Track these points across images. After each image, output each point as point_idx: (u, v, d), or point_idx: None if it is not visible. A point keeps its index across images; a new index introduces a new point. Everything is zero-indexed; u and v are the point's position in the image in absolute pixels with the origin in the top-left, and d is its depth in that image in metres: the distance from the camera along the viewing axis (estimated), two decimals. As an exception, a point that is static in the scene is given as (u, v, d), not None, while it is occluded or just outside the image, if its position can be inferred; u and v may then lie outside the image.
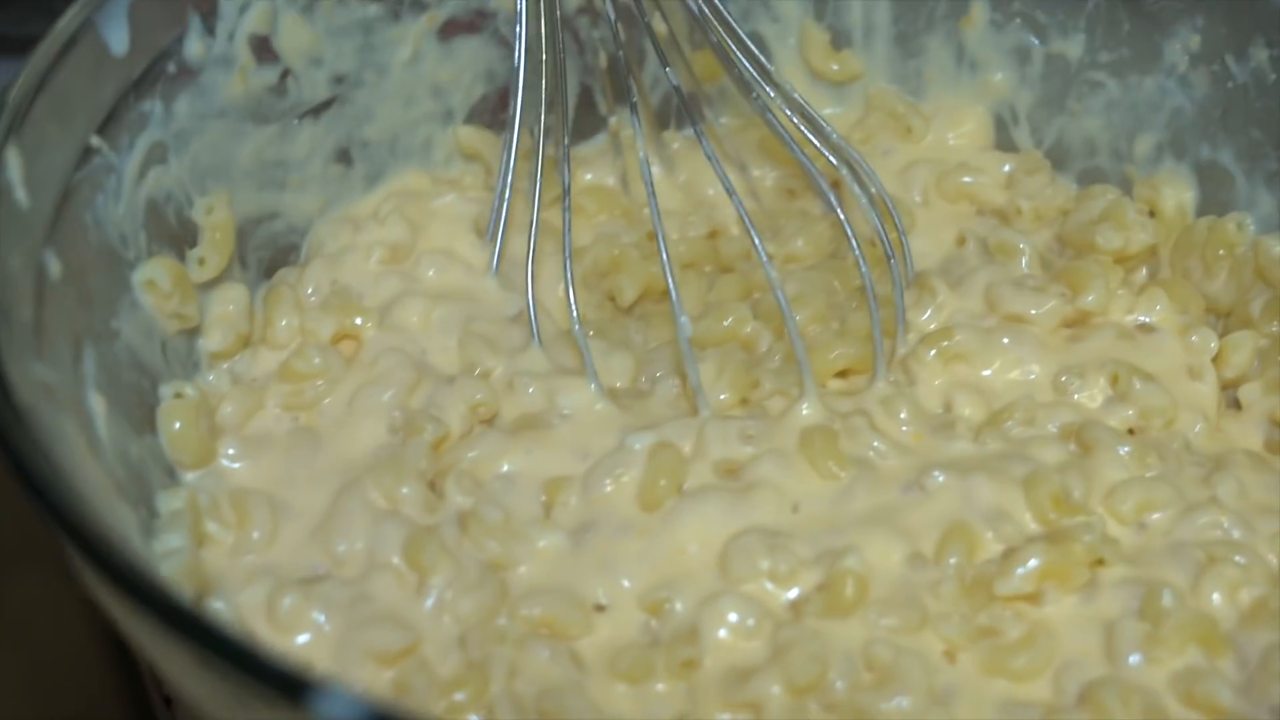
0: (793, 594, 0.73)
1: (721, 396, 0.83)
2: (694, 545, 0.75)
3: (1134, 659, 0.70)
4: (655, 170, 0.96)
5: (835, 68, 0.98)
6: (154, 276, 0.79)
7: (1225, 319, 0.87)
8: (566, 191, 0.86)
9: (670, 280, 0.81)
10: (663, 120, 0.98)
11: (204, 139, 0.82)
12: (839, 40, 0.98)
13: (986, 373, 0.84)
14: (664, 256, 0.81)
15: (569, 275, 0.84)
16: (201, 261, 0.83)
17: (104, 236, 0.75)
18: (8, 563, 0.90)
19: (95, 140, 0.74)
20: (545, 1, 0.87)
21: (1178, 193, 0.90)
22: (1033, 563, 0.72)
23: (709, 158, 0.83)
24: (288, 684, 0.51)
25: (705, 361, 0.84)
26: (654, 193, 0.83)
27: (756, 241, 0.81)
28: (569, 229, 0.85)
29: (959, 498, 0.77)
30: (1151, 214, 0.90)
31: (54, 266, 0.69)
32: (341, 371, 0.83)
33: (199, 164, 0.82)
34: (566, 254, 0.85)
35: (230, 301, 0.84)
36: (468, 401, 0.82)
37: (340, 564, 0.75)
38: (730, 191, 0.82)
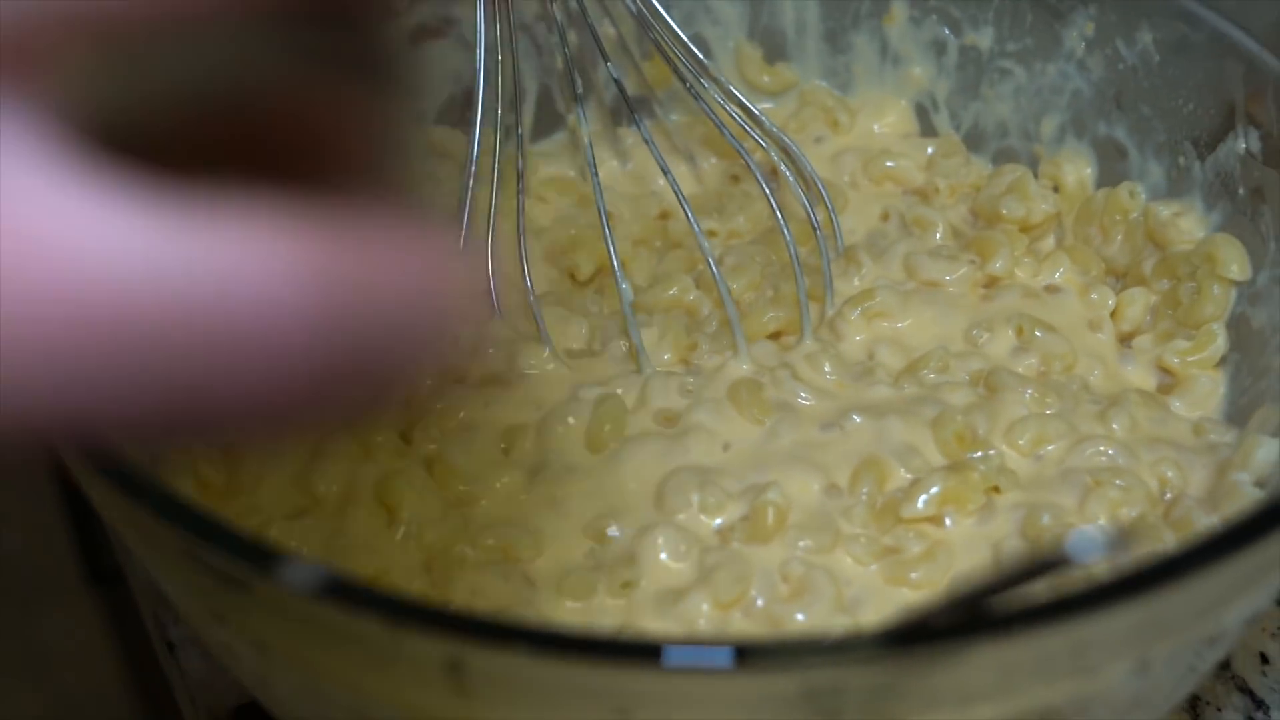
0: (719, 523, 0.82)
1: (665, 357, 0.92)
2: (634, 483, 0.84)
3: (1016, 569, 0.79)
4: (612, 161, 1.06)
5: (767, 79, 1.07)
6: None
7: (1123, 279, 0.96)
8: (520, 176, 0.95)
9: (612, 253, 0.90)
10: (617, 117, 1.07)
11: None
12: (772, 54, 1.07)
13: (902, 325, 0.93)
14: (606, 233, 0.91)
15: (524, 254, 0.93)
16: None
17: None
18: (35, 601, 0.95)
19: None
20: (501, 8, 0.96)
21: (1078, 168, 0.99)
22: (934, 489, 0.81)
23: (647, 142, 0.93)
24: (257, 555, 0.60)
25: (650, 326, 0.93)
26: (597, 173, 0.92)
27: (689, 215, 0.90)
28: (522, 212, 0.94)
29: (873, 436, 0.86)
30: (1056, 188, 1.00)
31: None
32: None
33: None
34: (520, 235, 0.94)
35: None
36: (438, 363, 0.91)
37: (320, 502, 0.84)
38: (665, 171, 0.91)
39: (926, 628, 0.56)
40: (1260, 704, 0.90)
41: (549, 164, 1.06)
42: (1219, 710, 0.90)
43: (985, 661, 0.58)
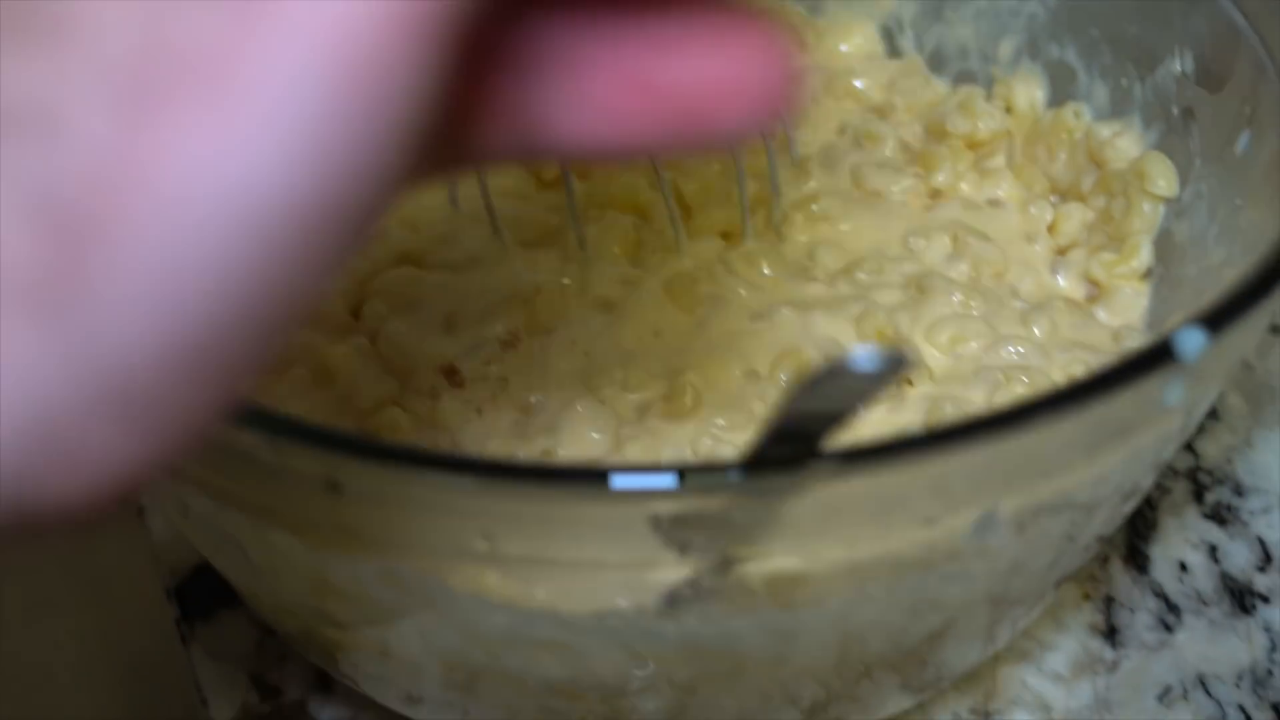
0: (637, 398, 0.86)
1: (615, 250, 0.96)
2: (563, 361, 0.89)
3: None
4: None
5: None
6: None
7: (1064, 196, 0.99)
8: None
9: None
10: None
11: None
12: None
13: (844, 228, 0.96)
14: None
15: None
16: None
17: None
18: (28, 611, 0.99)
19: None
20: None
21: (1029, 89, 1.02)
22: (845, 378, 0.85)
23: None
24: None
25: (602, 222, 0.97)
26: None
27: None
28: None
29: (798, 329, 0.89)
30: (1008, 109, 1.03)
31: None
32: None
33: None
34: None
35: None
36: (396, 250, 0.96)
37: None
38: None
39: (758, 461, 0.60)
40: (1174, 608, 0.93)
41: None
42: (1132, 611, 0.93)
43: (813, 500, 0.61)
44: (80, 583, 0.86)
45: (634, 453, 0.82)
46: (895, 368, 0.51)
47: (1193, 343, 0.65)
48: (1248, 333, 0.69)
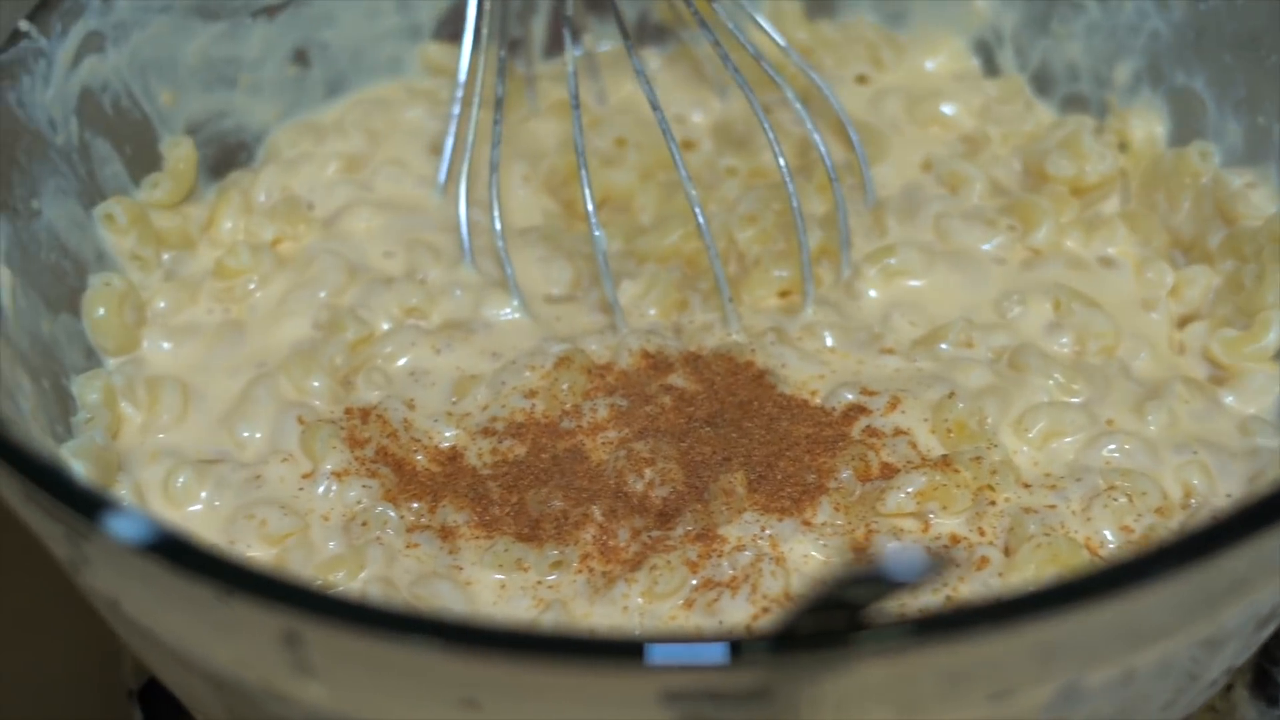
0: (663, 493, 0.83)
1: (650, 312, 0.94)
2: (595, 450, 0.86)
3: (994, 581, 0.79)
4: (626, 87, 1.07)
5: (803, 36, 1.08)
6: (113, 212, 0.93)
7: (1187, 253, 0.95)
8: (499, 105, 0.97)
9: (586, 196, 0.91)
10: (642, 37, 1.08)
11: (146, 32, 0.95)
12: (816, 9, 1.09)
13: (923, 284, 0.93)
14: (583, 173, 0.92)
15: (494, 193, 0.95)
16: (156, 185, 0.97)
17: (30, 117, 0.88)
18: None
19: (24, 25, 0.88)
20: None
21: (1148, 123, 0.99)
22: (915, 484, 0.82)
23: (638, 73, 0.93)
24: (89, 503, 0.63)
25: (638, 277, 0.95)
26: (578, 105, 0.94)
27: (679, 164, 0.91)
28: (497, 145, 0.96)
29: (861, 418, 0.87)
30: (1123, 146, 0.99)
31: (-32, 138, 0.83)
32: (273, 269, 0.96)
33: (140, 57, 0.95)
34: (493, 170, 0.95)
35: None
36: (401, 304, 0.94)
37: (241, 448, 0.87)
38: (655, 107, 0.92)
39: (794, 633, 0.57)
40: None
41: (559, 84, 1.07)
42: None
43: (856, 680, 0.59)
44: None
45: (657, 571, 0.80)
46: (938, 573, 0.49)
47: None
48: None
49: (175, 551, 0.61)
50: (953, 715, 0.63)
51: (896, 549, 0.65)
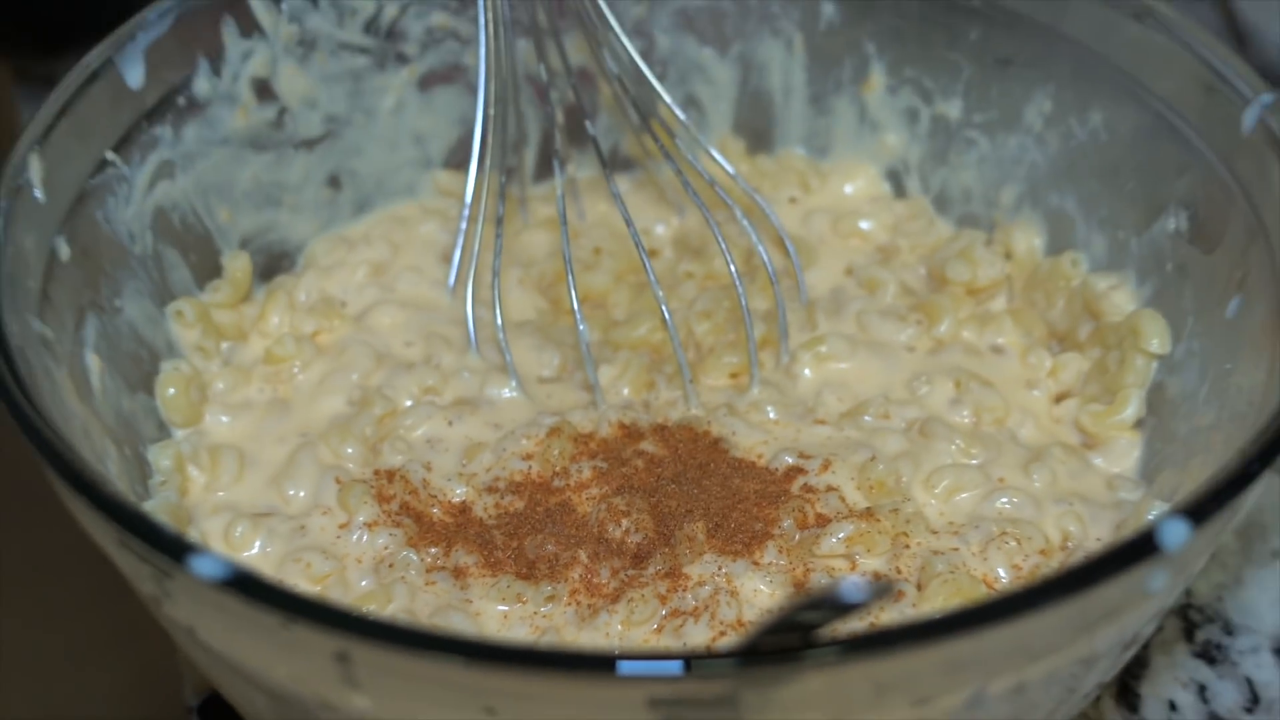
0: (637, 539, 0.86)
1: (624, 391, 0.97)
2: (579, 502, 0.89)
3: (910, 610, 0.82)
4: (601, 206, 1.11)
5: (745, 168, 1.11)
6: (181, 309, 0.96)
7: (1062, 342, 0.99)
8: (500, 222, 1.01)
9: (573, 297, 0.94)
10: (614, 164, 1.12)
11: (209, 161, 0.98)
12: (757, 136, 1.13)
13: (848, 366, 0.97)
14: (570, 279, 0.95)
15: (496, 294, 0.98)
16: (218, 289, 1.00)
17: (113, 231, 0.91)
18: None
19: (110, 155, 0.90)
20: (500, 65, 1.02)
21: (1028, 236, 1.03)
22: (844, 531, 0.85)
23: (615, 197, 0.97)
24: (176, 547, 0.65)
25: (614, 362, 0.98)
26: (565, 222, 0.97)
27: (649, 271, 0.94)
28: (498, 255, 0.99)
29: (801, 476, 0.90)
30: (1008, 255, 1.03)
31: (63, 250, 0.85)
32: (313, 357, 0.98)
33: (203, 182, 0.98)
34: (494, 275, 0.98)
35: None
36: (420, 385, 0.97)
37: (288, 503, 0.90)
38: (629, 223, 0.95)
39: (757, 650, 0.60)
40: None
41: (548, 205, 1.10)
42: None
43: (807, 686, 0.61)
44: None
45: (636, 603, 0.82)
46: (881, 597, 0.52)
47: (1176, 535, 0.65)
48: (1229, 519, 0.70)
49: (247, 586, 0.64)
50: (881, 718, 0.66)
51: (848, 579, 0.68)
